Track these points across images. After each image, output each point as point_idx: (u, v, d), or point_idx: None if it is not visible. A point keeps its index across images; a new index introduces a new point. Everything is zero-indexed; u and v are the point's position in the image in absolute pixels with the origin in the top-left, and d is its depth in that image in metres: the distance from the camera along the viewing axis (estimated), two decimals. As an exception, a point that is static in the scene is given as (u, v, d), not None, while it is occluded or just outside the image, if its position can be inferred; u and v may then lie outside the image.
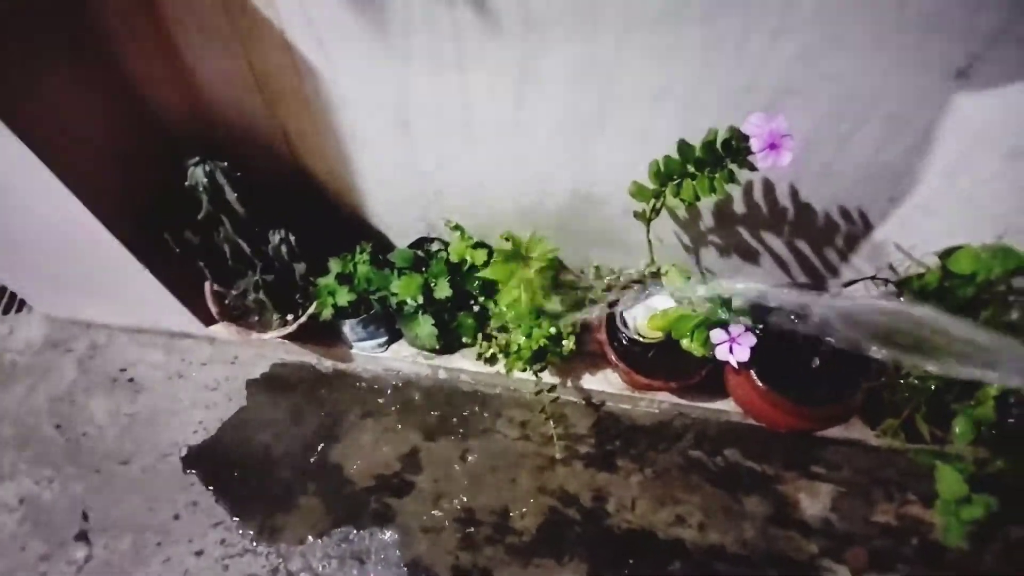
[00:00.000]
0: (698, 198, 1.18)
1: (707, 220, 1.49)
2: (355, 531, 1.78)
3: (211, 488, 1.85)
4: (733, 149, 1.09)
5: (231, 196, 1.42)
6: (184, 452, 1.90)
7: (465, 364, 1.88)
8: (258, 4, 1.18)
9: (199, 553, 1.78)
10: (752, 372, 1.49)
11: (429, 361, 1.88)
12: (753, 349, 1.28)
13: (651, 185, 1.28)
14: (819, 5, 1.00)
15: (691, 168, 1.17)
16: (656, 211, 1.37)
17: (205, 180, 1.37)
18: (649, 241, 1.45)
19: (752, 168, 1.12)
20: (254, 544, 1.78)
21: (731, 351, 1.28)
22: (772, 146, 1.01)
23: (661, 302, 1.58)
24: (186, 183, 1.39)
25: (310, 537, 1.78)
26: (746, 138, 1.05)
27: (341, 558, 1.75)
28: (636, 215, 1.39)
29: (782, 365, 1.48)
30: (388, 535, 1.78)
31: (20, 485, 1.88)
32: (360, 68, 1.27)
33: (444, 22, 1.13)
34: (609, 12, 1.06)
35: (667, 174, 1.22)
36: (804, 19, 1.03)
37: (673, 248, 1.59)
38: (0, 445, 1.92)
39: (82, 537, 1.81)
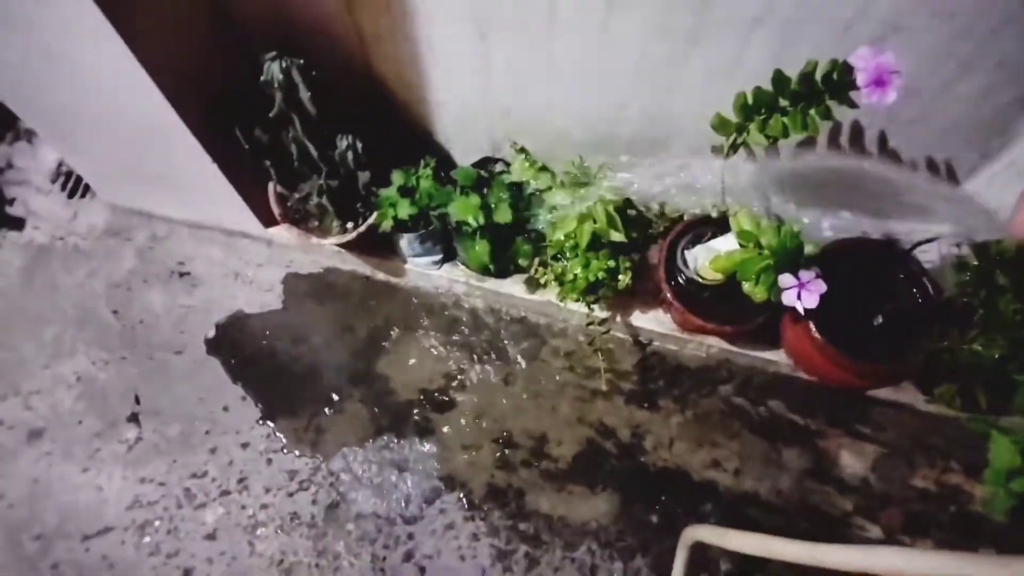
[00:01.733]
0: (787, 134, 1.14)
1: (785, 162, 1.45)
2: (396, 440, 1.82)
3: (260, 385, 1.90)
4: (834, 83, 1.04)
5: (304, 95, 1.40)
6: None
7: (516, 290, 1.88)
8: None
9: (245, 445, 1.84)
10: (811, 323, 1.46)
11: (481, 283, 1.88)
12: (821, 297, 1.25)
13: (735, 119, 1.23)
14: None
15: (784, 102, 1.13)
16: (735, 147, 1.33)
17: (281, 76, 1.36)
18: (722, 180, 1.41)
19: (852, 105, 1.07)
20: (298, 442, 1.83)
21: (799, 297, 1.25)
22: (878, 82, 0.96)
23: (725, 244, 1.55)
24: (261, 78, 1.37)
25: (352, 441, 1.82)
26: (850, 71, 1.00)
27: (381, 464, 1.80)
28: (713, 149, 1.35)
29: (842, 319, 1.45)
30: (428, 447, 1.82)
31: (78, 363, 1.94)
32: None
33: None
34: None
35: (755, 107, 1.18)
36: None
37: (744, 190, 1.55)
38: (61, 324, 1.99)
39: (133, 419, 1.88)
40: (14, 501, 1.81)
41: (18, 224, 2.11)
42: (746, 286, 1.40)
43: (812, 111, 1.10)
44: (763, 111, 1.18)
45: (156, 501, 1.79)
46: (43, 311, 2.00)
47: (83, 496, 1.80)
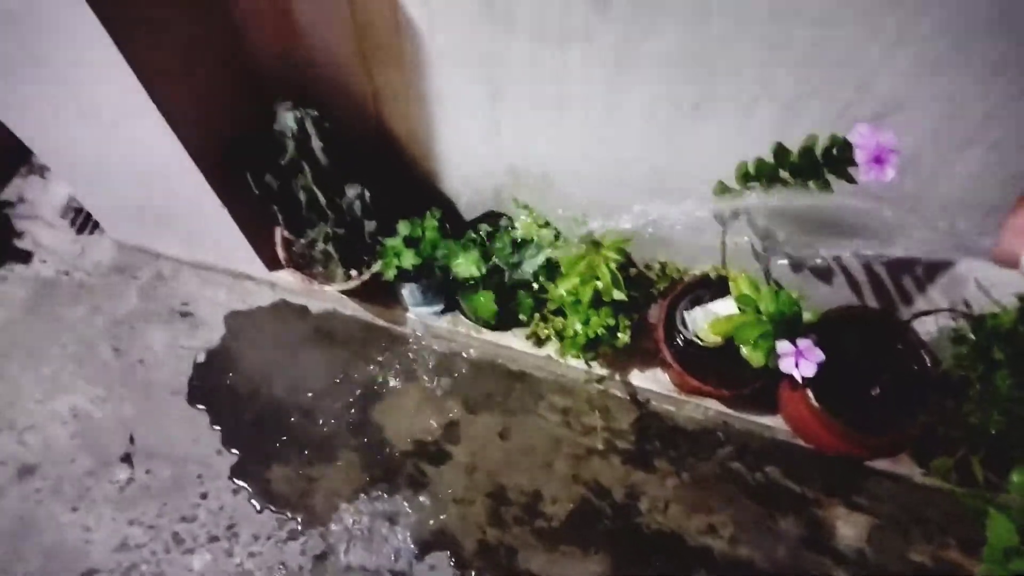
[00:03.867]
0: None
1: (783, 224, 1.47)
2: (388, 491, 1.80)
3: (255, 429, 1.89)
4: (834, 158, 1.07)
5: (316, 145, 1.43)
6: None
7: (515, 343, 1.88)
8: (373, -44, 1.19)
9: (236, 491, 1.82)
10: (808, 391, 1.46)
11: (481, 335, 1.89)
12: (818, 365, 1.25)
13: (736, 187, 1.26)
14: (942, 22, 0.97)
15: (783, 173, 1.15)
16: (736, 214, 1.35)
17: (294, 126, 1.39)
18: (723, 244, 1.43)
19: (851, 180, 1.09)
20: (290, 490, 1.81)
21: (796, 365, 1.25)
22: (877, 159, 0.99)
23: (724, 307, 1.56)
24: (275, 126, 1.41)
25: (344, 491, 1.81)
26: (849, 148, 1.02)
27: (372, 515, 1.78)
28: (715, 216, 1.37)
29: (840, 387, 1.45)
30: (420, 500, 1.80)
31: (75, 400, 1.94)
32: (461, 30, 1.27)
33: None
34: (727, 1, 1.04)
35: (756, 177, 1.20)
36: (923, 35, 1.01)
37: (744, 255, 1.57)
38: (61, 358, 1.99)
39: (127, 459, 1.87)
40: (-1, 538, 1.79)
41: (25, 257, 2.13)
42: (744, 350, 1.41)
43: (812, 183, 1.12)
44: (763, 181, 1.20)
45: (144, 544, 1.76)
46: (44, 345, 2.01)
47: (70, 536, 1.78)
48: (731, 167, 1.25)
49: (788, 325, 1.31)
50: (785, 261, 1.55)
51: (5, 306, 2.06)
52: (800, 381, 1.27)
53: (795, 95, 1.15)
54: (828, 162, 1.09)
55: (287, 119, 1.38)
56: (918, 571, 1.67)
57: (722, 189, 1.27)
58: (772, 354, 1.32)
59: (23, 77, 1.40)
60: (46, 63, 1.32)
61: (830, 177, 1.11)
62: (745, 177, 1.22)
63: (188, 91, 1.40)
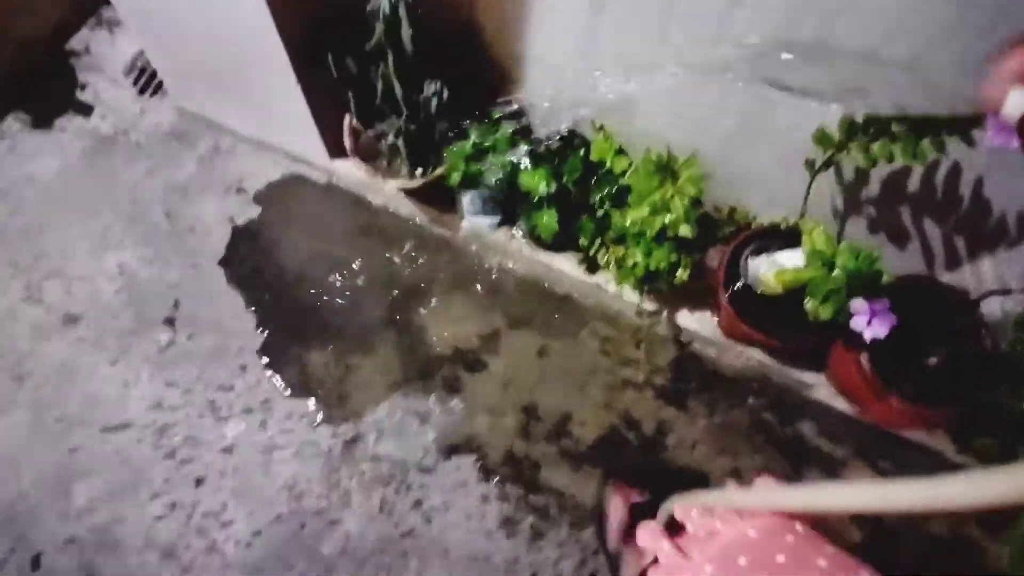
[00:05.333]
0: (891, 159, 1.12)
1: (872, 189, 1.43)
2: (423, 391, 1.82)
3: (297, 312, 1.90)
4: (959, 119, 1.02)
5: (406, 32, 1.39)
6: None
7: (566, 266, 1.87)
8: None
9: (274, 369, 1.84)
10: (864, 352, 1.45)
11: (534, 254, 1.87)
12: (890, 329, 1.24)
13: (838, 135, 1.21)
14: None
15: (897, 127, 1.11)
16: (828, 164, 1.31)
17: (387, 9, 1.34)
18: (807, 194, 1.40)
19: (969, 143, 1.05)
20: (327, 374, 1.84)
21: (869, 324, 1.24)
22: (1009, 128, 0.94)
23: (791, 258, 1.53)
24: (368, 7, 1.36)
25: (380, 384, 1.83)
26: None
27: (405, 411, 1.81)
28: (805, 163, 1.33)
29: (895, 355, 1.43)
30: (453, 404, 1.82)
31: (123, 257, 1.96)
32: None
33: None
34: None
35: (864, 127, 1.16)
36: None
37: (821, 207, 1.53)
38: (113, 215, 1.99)
39: (169, 323, 1.89)
40: (42, 381, 1.83)
41: (86, 111, 2.11)
42: (810, 304, 1.39)
43: (924, 142, 1.08)
44: (871, 132, 1.16)
45: (179, 407, 1.80)
46: (97, 200, 2.01)
47: (108, 388, 1.82)
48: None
49: (864, 284, 1.29)
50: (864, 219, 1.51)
51: (64, 157, 2.06)
52: (868, 342, 1.25)
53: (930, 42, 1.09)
54: (951, 121, 1.04)
55: (382, 1, 1.33)
56: (933, 540, 1.69)
57: (822, 137, 1.23)
58: (842, 310, 1.30)
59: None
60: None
61: (950, 137, 1.06)
62: (850, 127, 1.17)
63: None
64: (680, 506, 1.02)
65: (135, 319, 1.89)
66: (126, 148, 2.08)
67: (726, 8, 1.21)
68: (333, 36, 1.49)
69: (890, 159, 1.13)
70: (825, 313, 1.34)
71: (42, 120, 2.10)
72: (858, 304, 1.25)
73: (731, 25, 1.23)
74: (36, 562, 1.67)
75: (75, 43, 2.19)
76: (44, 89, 2.14)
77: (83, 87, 2.14)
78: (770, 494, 0.87)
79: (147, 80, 2.13)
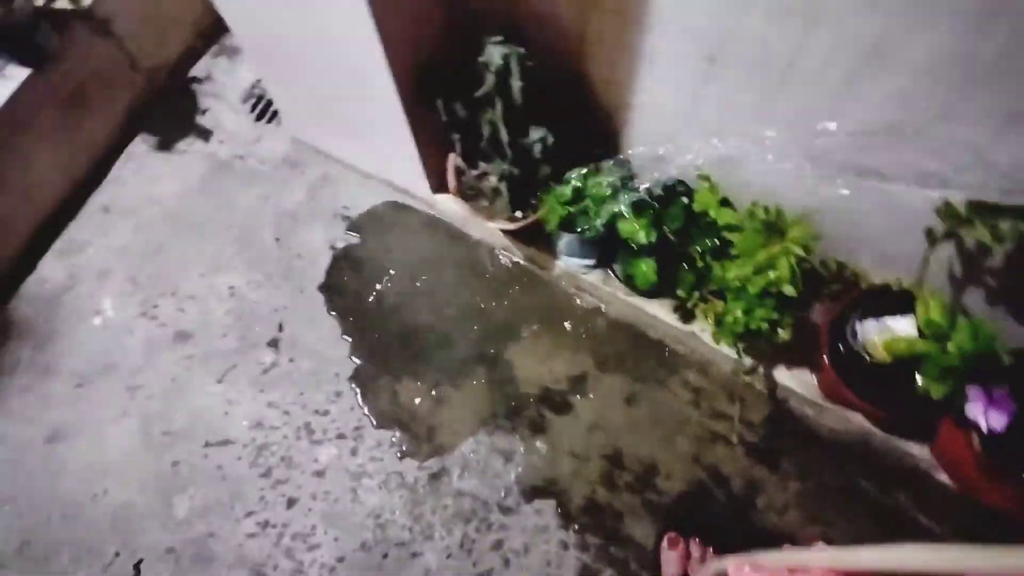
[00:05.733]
0: (1020, 240, 1.05)
1: (995, 261, 1.34)
2: (509, 429, 1.83)
3: (393, 341, 1.95)
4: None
5: (516, 84, 1.40)
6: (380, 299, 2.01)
7: (660, 312, 1.84)
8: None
9: (367, 397, 1.89)
10: (977, 434, 1.36)
11: (628, 297, 1.85)
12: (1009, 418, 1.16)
13: (964, 211, 1.15)
14: None
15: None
16: (949, 236, 1.24)
17: (500, 62, 1.36)
18: (924, 263, 1.33)
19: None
20: (417, 405, 1.87)
21: (985, 414, 1.16)
22: None
23: (903, 326, 1.46)
24: (480, 58, 1.38)
25: (467, 418, 1.85)
26: None
27: (490, 448, 1.82)
28: (925, 232, 1.26)
29: (1011, 435, 1.34)
30: (538, 445, 1.82)
31: (233, 279, 2.05)
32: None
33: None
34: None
35: (991, 208, 1.09)
36: None
37: (938, 274, 1.45)
38: (226, 238, 2.10)
39: (273, 345, 1.97)
40: (153, 393, 1.94)
41: (206, 135, 2.23)
42: (921, 379, 1.32)
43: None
44: (998, 212, 1.09)
45: (278, 427, 1.87)
46: (212, 222, 2.12)
47: (213, 405, 1.91)
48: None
49: (981, 366, 1.21)
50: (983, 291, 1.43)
51: (183, 179, 2.18)
52: (985, 432, 1.17)
53: None
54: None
55: (494, 53, 1.35)
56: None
57: (948, 211, 1.16)
58: (956, 393, 1.23)
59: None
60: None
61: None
62: (977, 207, 1.11)
63: (405, 8, 1.38)
64: (735, 564, 1.01)
65: (241, 340, 1.98)
66: (242, 173, 2.18)
67: (841, 87, 1.16)
68: (443, 80, 1.52)
69: (1018, 240, 1.06)
70: (937, 392, 1.27)
71: (166, 143, 2.23)
72: (975, 391, 1.17)
73: (843, 105, 1.19)
74: (137, 568, 1.76)
75: (198, 70, 2.31)
76: (168, 113, 2.28)
77: (204, 112, 2.26)
78: (824, 552, 0.86)
79: (264, 107, 2.23)
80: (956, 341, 1.24)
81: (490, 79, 1.41)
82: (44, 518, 1.82)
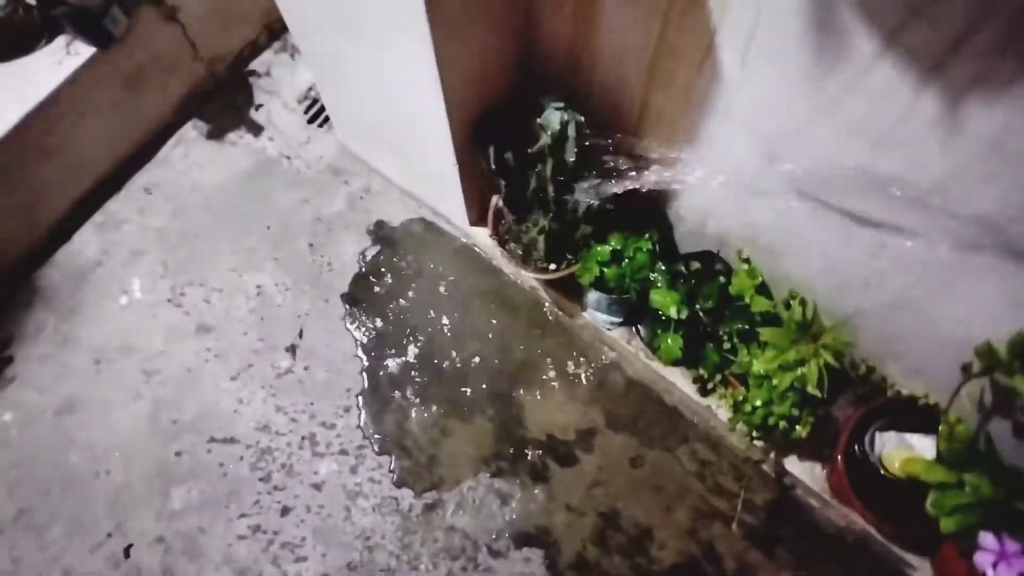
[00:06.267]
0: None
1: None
2: (510, 472, 1.83)
3: (409, 365, 1.95)
4: None
5: (571, 149, 1.40)
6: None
7: (679, 381, 1.83)
8: (712, -1, 1.10)
9: (375, 417, 1.90)
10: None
11: (650, 361, 1.84)
12: None
13: (1006, 355, 1.13)
14: None
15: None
16: (985, 373, 1.22)
17: (557, 126, 1.36)
18: (955, 394, 1.31)
19: None
20: (423, 433, 1.87)
21: (994, 566, 1.14)
22: None
23: (922, 444, 1.44)
24: (538, 120, 1.38)
25: (470, 454, 1.85)
26: None
27: (488, 488, 1.82)
28: (961, 368, 1.24)
29: None
30: (536, 491, 1.82)
31: (262, 279, 2.06)
32: (769, 94, 1.18)
33: (901, 97, 1.01)
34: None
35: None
36: None
37: (965, 405, 1.42)
38: (260, 236, 2.11)
39: (291, 350, 1.98)
40: (167, 380, 1.96)
41: (257, 130, 2.24)
42: (932, 508, 1.30)
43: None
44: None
45: (283, 434, 1.89)
46: (249, 218, 2.13)
47: (223, 401, 1.93)
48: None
49: (998, 512, 1.19)
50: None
51: (229, 171, 2.20)
52: (992, 581, 1.15)
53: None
54: None
55: (554, 118, 1.35)
56: None
57: (988, 351, 1.14)
58: (967, 534, 1.20)
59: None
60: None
61: None
62: (1020, 354, 1.09)
63: (466, 45, 1.37)
64: None
65: (261, 340, 1.99)
66: (287, 173, 2.19)
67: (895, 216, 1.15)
68: (498, 130, 1.52)
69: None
70: (947, 527, 1.25)
71: (217, 132, 2.25)
72: (988, 540, 1.15)
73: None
74: (127, 551, 1.79)
75: (259, 64, 2.33)
76: (223, 104, 2.29)
77: (258, 107, 2.27)
78: None
79: (318, 111, 2.24)
80: (974, 482, 1.22)
81: (545, 139, 1.40)
82: (44, 489, 1.85)
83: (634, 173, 1.45)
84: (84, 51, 1.89)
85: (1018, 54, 0.84)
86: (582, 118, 1.37)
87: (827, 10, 0.97)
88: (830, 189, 1.25)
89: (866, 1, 0.92)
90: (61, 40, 1.91)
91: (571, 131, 1.36)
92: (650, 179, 1.53)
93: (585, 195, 1.53)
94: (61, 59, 1.89)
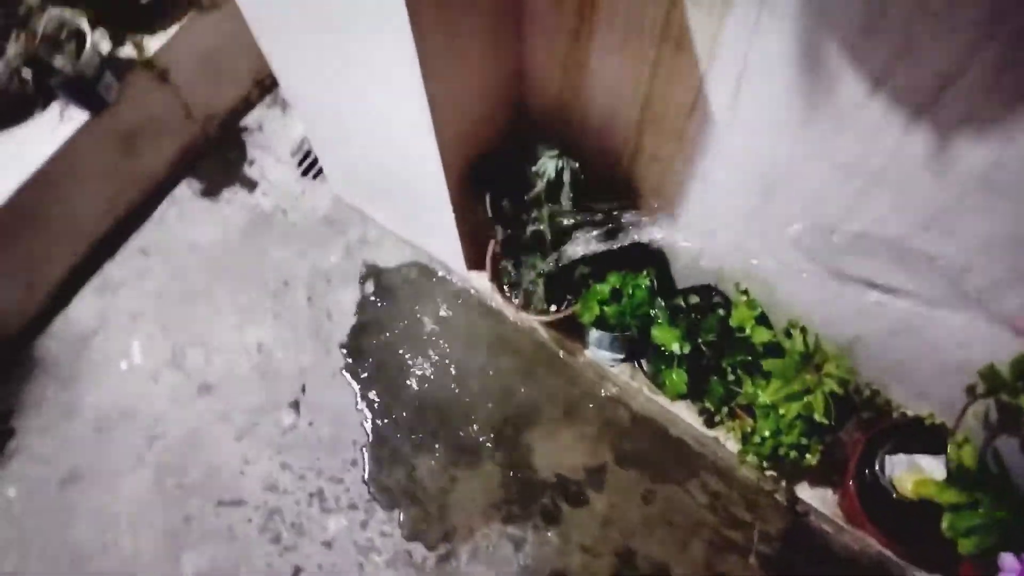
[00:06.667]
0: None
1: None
2: (521, 516, 1.82)
3: (413, 413, 1.94)
4: None
5: (567, 195, 1.42)
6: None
7: (685, 414, 1.83)
8: (699, 42, 1.13)
9: (382, 468, 1.89)
10: (1002, 587, 1.34)
11: (654, 395, 1.84)
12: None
13: (1009, 376, 1.14)
14: None
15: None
16: (990, 395, 1.23)
17: (552, 174, 1.38)
18: (961, 415, 1.32)
19: None
20: (432, 482, 1.86)
21: (1016, 587, 1.14)
22: None
23: (932, 465, 1.45)
24: (533, 168, 1.40)
25: (480, 500, 1.84)
26: None
27: (500, 534, 1.81)
28: (966, 389, 1.25)
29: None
30: (549, 534, 1.80)
31: (262, 335, 2.06)
32: (763, 135, 1.20)
33: (888, 139, 1.03)
34: None
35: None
36: None
37: (972, 424, 1.44)
38: (259, 292, 2.11)
39: (295, 406, 1.97)
40: (171, 444, 1.94)
41: (251, 185, 2.26)
42: (948, 530, 1.30)
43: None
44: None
45: (291, 492, 1.87)
46: (248, 275, 2.14)
47: (230, 462, 1.91)
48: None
49: (1016, 532, 1.19)
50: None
51: (224, 228, 2.20)
52: (1012, 604, 1.15)
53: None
54: None
55: (549, 166, 1.37)
56: None
57: (991, 374, 1.16)
58: (985, 555, 1.21)
59: (321, 43, 1.41)
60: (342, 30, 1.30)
61: None
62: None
63: (463, 106, 1.40)
64: None
65: (264, 398, 1.99)
66: (282, 227, 2.20)
67: (893, 246, 1.17)
68: (493, 175, 1.54)
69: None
70: (965, 548, 1.25)
71: (210, 190, 2.26)
72: (1009, 561, 1.15)
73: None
74: (140, 622, 1.76)
75: (250, 119, 2.35)
76: (216, 161, 2.31)
77: (251, 163, 2.29)
78: None
79: (310, 164, 2.26)
80: (987, 503, 1.22)
81: (541, 186, 1.42)
82: (52, 565, 1.82)
83: (631, 223, 1.47)
84: (78, 116, 1.91)
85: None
86: (576, 164, 1.39)
87: (813, 57, 1.00)
88: (820, 222, 1.27)
89: (852, 47, 0.95)
90: (55, 107, 1.93)
91: (566, 177, 1.38)
92: (651, 234, 1.56)
93: (583, 246, 1.54)
94: (55, 126, 1.91)
